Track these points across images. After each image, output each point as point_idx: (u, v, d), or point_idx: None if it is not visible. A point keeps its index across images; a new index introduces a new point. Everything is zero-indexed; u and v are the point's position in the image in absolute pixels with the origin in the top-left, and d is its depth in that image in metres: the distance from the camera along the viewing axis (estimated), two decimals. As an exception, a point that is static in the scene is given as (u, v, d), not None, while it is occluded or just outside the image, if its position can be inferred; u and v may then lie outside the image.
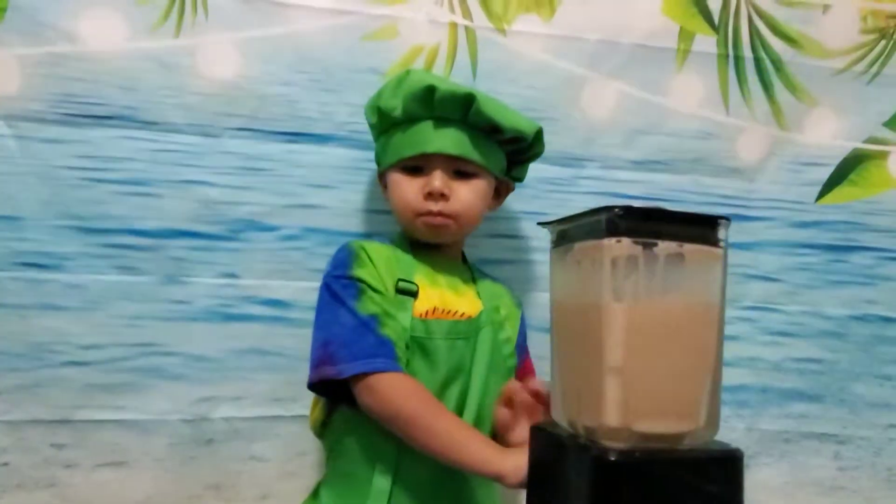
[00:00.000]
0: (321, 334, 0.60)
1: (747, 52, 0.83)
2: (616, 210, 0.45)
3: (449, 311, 0.64)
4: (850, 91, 0.84)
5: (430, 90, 0.62)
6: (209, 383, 0.73)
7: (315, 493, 0.66)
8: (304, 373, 0.63)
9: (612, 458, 0.44)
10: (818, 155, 0.85)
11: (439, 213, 0.64)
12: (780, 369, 0.84)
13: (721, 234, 0.48)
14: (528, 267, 0.81)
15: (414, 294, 0.63)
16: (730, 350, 0.79)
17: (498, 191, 0.71)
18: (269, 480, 0.74)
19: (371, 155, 0.72)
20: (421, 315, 0.62)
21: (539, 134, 0.68)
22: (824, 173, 0.86)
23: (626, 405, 0.45)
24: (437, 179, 0.64)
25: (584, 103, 0.81)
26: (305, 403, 0.68)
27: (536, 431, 0.52)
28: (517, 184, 0.74)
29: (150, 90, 0.71)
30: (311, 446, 0.74)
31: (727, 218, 0.48)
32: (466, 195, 0.65)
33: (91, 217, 0.70)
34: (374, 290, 0.61)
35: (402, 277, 0.63)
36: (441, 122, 0.64)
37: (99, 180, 0.71)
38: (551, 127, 0.80)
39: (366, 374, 0.57)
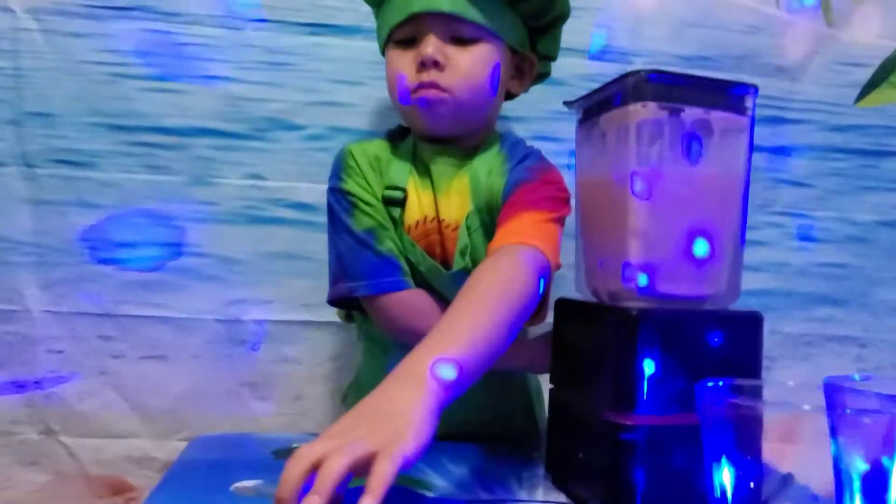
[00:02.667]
0: (332, 248, 0.62)
1: (798, -66, 0.84)
2: (642, 74, 0.48)
3: (432, 233, 0.62)
4: (898, -15, 0.86)
5: None
6: (240, 286, 0.79)
7: (354, 381, 0.72)
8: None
9: (634, 314, 0.49)
10: (861, 55, 0.87)
11: (432, 85, 0.57)
12: (805, 274, 0.89)
13: (748, 102, 0.52)
14: (571, 172, 0.83)
15: (401, 203, 0.61)
16: (756, 255, 0.85)
17: (520, 69, 0.65)
18: (301, 382, 0.82)
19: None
20: (412, 227, 0.62)
21: None
22: (866, 74, 0.88)
23: (649, 268, 0.50)
24: (430, 45, 0.57)
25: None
26: (334, 310, 0.72)
27: (560, 303, 0.58)
28: (557, 83, 0.71)
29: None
30: (341, 351, 0.82)
31: (755, 86, 0.52)
32: (465, 62, 0.58)
33: (119, 114, 0.76)
34: (366, 203, 0.61)
35: (389, 184, 0.62)
36: None
37: (124, 76, 0.76)
38: (594, 18, 0.80)
39: (375, 296, 0.59)
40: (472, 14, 0.57)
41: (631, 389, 0.47)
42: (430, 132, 0.62)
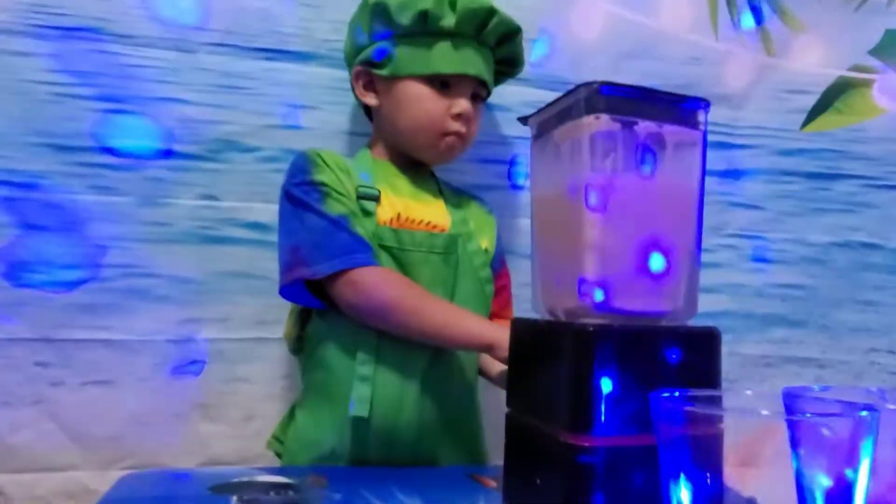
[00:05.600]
0: (288, 241, 0.61)
1: (736, -30, 0.83)
2: (595, 86, 0.46)
3: (416, 221, 0.64)
4: (836, 18, 0.86)
5: (489, 13, 0.64)
6: (193, 305, 0.74)
7: (290, 414, 0.67)
8: (287, 297, 0.63)
9: (591, 330, 0.45)
10: (804, 82, 0.87)
11: (458, 135, 0.66)
12: (762, 295, 0.86)
13: (700, 116, 0.49)
14: (516, 194, 0.82)
15: (375, 199, 0.63)
16: (713, 277, 0.82)
17: None
18: (253, 401, 0.76)
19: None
20: (386, 222, 0.63)
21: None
22: (809, 101, 0.87)
23: (605, 283, 0.46)
24: (468, 105, 0.66)
25: (572, 24, 0.81)
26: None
27: (516, 322, 0.54)
28: (503, 109, 0.77)
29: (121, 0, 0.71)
30: (295, 369, 0.75)
31: (707, 101, 0.49)
32: (476, 121, 0.68)
33: (65, 134, 0.70)
34: (338, 192, 0.62)
35: (361, 184, 0.64)
36: (467, 41, 0.64)
37: (71, 96, 0.70)
38: (538, 48, 0.80)
39: (345, 271, 0.58)
40: (491, 82, 0.69)
41: (588, 409, 0.43)
42: (431, 163, 0.71)
